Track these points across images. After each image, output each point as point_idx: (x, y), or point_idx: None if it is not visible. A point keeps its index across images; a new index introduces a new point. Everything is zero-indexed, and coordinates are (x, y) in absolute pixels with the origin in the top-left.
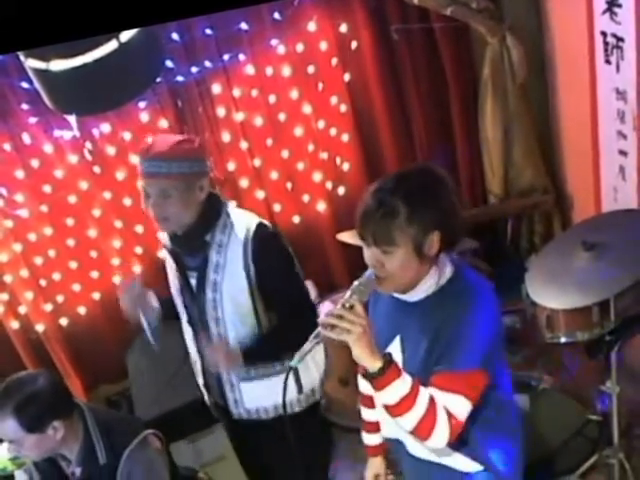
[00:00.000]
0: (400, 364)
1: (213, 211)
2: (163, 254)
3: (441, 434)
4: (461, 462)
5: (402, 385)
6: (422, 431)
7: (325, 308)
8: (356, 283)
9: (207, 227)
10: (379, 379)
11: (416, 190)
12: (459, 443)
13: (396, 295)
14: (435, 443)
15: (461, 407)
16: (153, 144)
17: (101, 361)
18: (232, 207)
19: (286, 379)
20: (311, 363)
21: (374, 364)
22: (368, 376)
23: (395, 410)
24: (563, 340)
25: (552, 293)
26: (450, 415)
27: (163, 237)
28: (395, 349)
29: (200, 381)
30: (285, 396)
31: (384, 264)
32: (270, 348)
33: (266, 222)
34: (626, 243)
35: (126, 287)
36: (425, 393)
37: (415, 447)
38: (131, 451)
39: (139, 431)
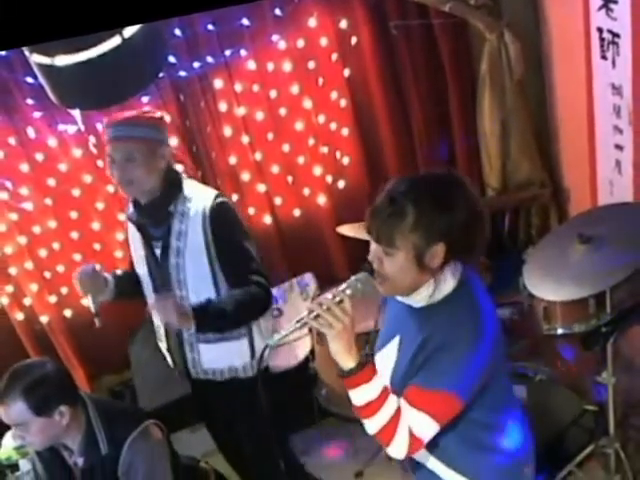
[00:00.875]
0: (393, 363)
1: (175, 183)
2: (128, 226)
3: (398, 448)
4: (443, 471)
5: (369, 391)
6: (381, 439)
7: None
8: (353, 278)
9: (170, 198)
10: (349, 379)
11: (429, 197)
12: (439, 452)
13: (400, 298)
14: (392, 454)
15: (425, 426)
16: (119, 114)
17: (104, 352)
18: (190, 180)
19: (262, 353)
20: (264, 331)
21: (347, 363)
22: (340, 373)
23: (359, 412)
24: (560, 332)
25: (549, 285)
26: (411, 434)
27: (129, 209)
28: (393, 348)
29: (163, 346)
30: (261, 363)
31: (383, 263)
32: (220, 314)
33: (222, 195)
34: (622, 236)
35: (83, 271)
36: (392, 405)
37: None
38: (132, 441)
39: (140, 421)
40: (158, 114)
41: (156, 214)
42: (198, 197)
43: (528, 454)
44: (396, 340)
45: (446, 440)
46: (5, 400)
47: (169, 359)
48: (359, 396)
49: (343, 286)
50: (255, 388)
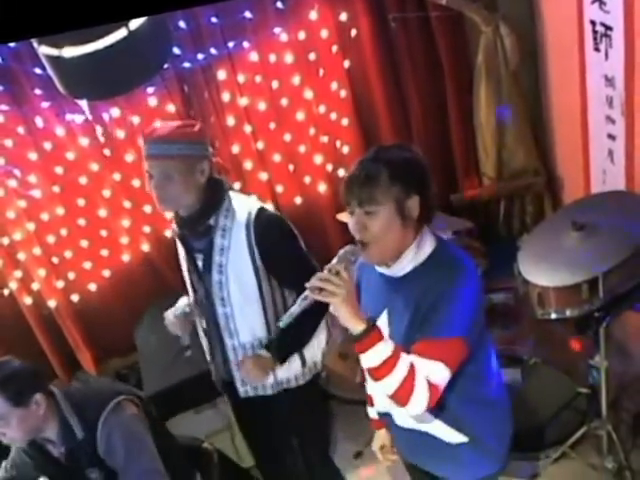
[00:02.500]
0: (387, 337)
1: (215, 196)
2: (173, 238)
3: (419, 400)
4: (446, 432)
5: (384, 348)
6: (401, 396)
7: None
8: (342, 251)
9: (210, 211)
10: (362, 341)
11: (396, 158)
12: (441, 412)
13: (382, 271)
14: (413, 409)
15: (440, 374)
16: (156, 128)
17: (111, 336)
18: (234, 193)
19: (275, 337)
20: (314, 339)
21: (358, 326)
22: (353, 338)
23: (377, 373)
24: (554, 316)
25: (543, 271)
26: (429, 382)
27: (172, 224)
28: (382, 322)
29: (208, 358)
30: (272, 343)
31: (367, 226)
32: (291, 337)
33: (267, 206)
34: (614, 223)
35: (176, 316)
36: (406, 359)
37: (401, 418)
38: (105, 419)
39: (111, 400)
40: (197, 126)
41: (196, 227)
42: (241, 210)
43: (509, 405)
44: (384, 314)
45: (446, 398)
46: None
47: (213, 374)
48: (375, 355)
49: (335, 260)
50: (309, 395)
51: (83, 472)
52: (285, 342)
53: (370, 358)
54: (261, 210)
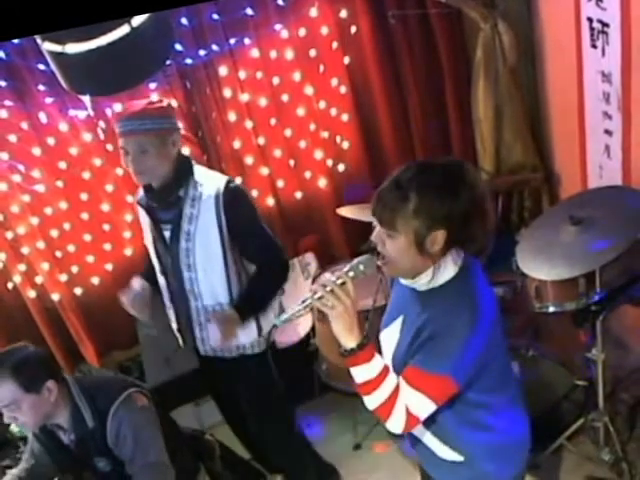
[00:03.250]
0: (395, 342)
1: (185, 168)
2: (138, 210)
3: (395, 424)
4: (441, 449)
5: (368, 370)
6: (379, 414)
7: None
8: (356, 260)
9: (180, 183)
10: (349, 358)
11: (434, 185)
12: (436, 430)
13: (403, 281)
14: (390, 429)
15: (422, 406)
16: (127, 107)
17: (113, 328)
18: (200, 167)
19: (270, 332)
20: (269, 309)
21: (348, 343)
22: (342, 351)
23: (358, 388)
24: (551, 310)
25: (541, 265)
26: (408, 412)
27: (138, 194)
28: (396, 327)
29: (174, 326)
30: (269, 341)
31: (385, 244)
32: (257, 298)
33: (234, 180)
34: (611, 218)
35: (128, 294)
36: (391, 383)
37: None
38: (115, 410)
39: (122, 391)
40: (165, 102)
41: (166, 198)
42: (209, 182)
43: (524, 436)
44: (400, 320)
45: (442, 417)
46: None
47: (180, 339)
48: (359, 374)
49: (346, 268)
50: (263, 363)
51: (92, 460)
52: (251, 303)
53: (355, 375)
54: (229, 181)
